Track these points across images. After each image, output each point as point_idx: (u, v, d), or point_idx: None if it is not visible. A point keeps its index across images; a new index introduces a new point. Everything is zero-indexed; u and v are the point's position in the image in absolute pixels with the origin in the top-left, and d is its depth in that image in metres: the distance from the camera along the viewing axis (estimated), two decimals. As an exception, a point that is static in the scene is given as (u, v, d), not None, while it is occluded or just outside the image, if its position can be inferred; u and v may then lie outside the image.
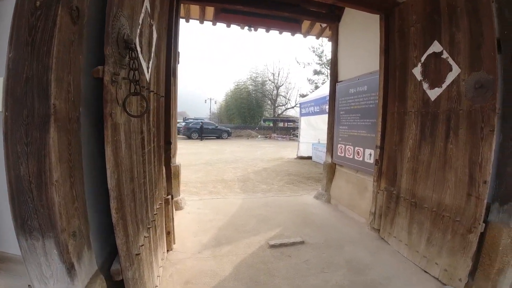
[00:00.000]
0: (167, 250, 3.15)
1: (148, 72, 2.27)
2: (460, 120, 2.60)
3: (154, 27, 2.34)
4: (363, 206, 4.35)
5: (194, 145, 19.04)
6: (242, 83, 36.85)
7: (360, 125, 4.57)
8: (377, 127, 3.68)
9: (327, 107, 9.33)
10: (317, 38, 6.53)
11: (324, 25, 5.69)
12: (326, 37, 6.32)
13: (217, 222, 4.31)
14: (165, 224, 3.21)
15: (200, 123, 27.99)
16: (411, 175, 3.13)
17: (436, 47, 2.85)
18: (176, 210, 4.99)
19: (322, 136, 11.79)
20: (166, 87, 3.12)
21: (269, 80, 35.82)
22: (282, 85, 35.70)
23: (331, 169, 5.42)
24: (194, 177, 7.94)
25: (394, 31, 3.43)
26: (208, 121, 32.67)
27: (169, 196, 3.23)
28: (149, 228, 2.26)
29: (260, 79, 36.15)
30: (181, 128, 26.45)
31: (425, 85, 2.97)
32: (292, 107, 35.09)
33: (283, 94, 36.05)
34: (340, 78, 5.27)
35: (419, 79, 3.05)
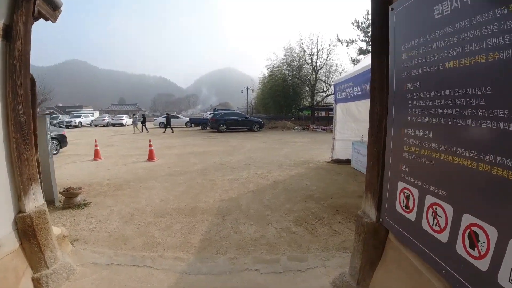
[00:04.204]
0: None
1: None
2: None
3: None
4: None
5: (214, 139, 16.41)
6: (277, 68, 33.13)
7: (487, 132, 1.24)
8: None
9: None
10: None
11: None
12: None
13: None
14: None
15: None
16: None
17: None
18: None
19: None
20: None
21: (307, 63, 31.49)
22: (322, 67, 30.99)
23: (375, 239, 2.15)
24: (158, 200, 5.23)
25: None
26: (238, 111, 30.03)
27: None
28: None
29: (296, 63, 32.01)
30: (208, 120, 24.48)
31: None
32: (333, 94, 30.64)
33: (323, 78, 31.48)
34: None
35: None
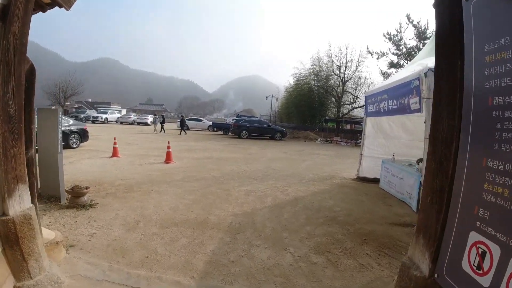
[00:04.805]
0: None
1: None
2: None
3: None
4: None
5: (234, 146, 16.10)
6: (303, 78, 32.47)
7: None
8: None
9: (413, 100, 5.20)
10: None
11: None
12: None
13: None
14: None
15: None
16: None
17: None
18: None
19: (400, 149, 7.57)
20: None
21: (334, 74, 30.61)
22: (350, 79, 29.93)
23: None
24: (168, 207, 4.92)
25: None
26: (261, 119, 29.67)
27: None
28: None
29: (323, 73, 31.19)
30: (230, 126, 24.38)
31: None
32: (361, 106, 29.34)
33: (350, 90, 30.44)
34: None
35: None
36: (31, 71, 2.41)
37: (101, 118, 36.60)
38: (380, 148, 8.09)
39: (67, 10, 3.09)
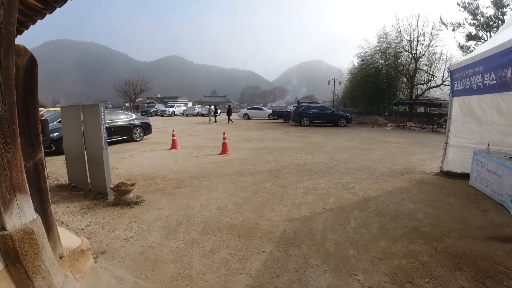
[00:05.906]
0: None
1: None
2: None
3: None
4: None
5: (294, 134, 15.31)
6: (369, 57, 29.38)
7: None
8: None
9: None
10: None
11: None
12: None
13: None
14: None
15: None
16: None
17: None
18: None
19: (493, 137, 6.04)
20: None
21: (405, 50, 26.95)
22: (423, 55, 25.86)
23: None
24: (215, 207, 4.52)
25: None
26: (323, 105, 28.09)
27: None
28: None
29: (392, 50, 27.70)
30: (291, 113, 23.55)
31: None
32: (438, 86, 25.28)
33: (424, 68, 26.68)
34: None
35: None
36: (32, 63, 2.06)
37: (169, 111, 39.14)
38: (469, 135, 6.56)
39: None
